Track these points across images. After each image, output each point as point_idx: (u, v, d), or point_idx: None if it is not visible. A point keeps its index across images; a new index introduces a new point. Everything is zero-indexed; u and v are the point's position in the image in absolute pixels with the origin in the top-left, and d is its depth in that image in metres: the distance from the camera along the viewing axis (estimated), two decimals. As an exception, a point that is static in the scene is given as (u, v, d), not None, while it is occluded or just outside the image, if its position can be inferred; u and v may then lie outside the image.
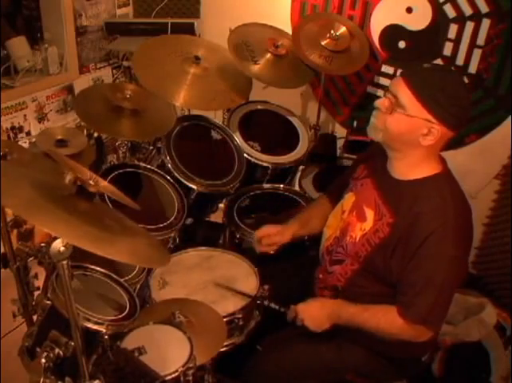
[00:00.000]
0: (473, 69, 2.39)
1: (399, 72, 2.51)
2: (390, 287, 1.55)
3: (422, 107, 1.42)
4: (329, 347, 1.66)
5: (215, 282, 1.78)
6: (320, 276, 1.73)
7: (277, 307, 1.71)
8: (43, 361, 1.33)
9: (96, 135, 2.56)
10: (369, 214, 1.59)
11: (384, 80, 2.62)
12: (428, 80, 1.43)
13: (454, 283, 1.50)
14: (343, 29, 2.41)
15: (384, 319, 1.52)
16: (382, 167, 1.62)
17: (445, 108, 1.41)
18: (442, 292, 1.46)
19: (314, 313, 1.61)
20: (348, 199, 1.70)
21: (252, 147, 2.35)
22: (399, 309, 1.50)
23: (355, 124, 2.66)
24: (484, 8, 2.28)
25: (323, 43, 2.37)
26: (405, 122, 1.45)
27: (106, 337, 1.42)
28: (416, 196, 1.49)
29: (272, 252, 1.85)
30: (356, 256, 1.59)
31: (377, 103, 1.50)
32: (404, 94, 1.43)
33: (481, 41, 2.33)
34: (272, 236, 1.84)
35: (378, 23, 2.53)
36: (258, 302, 1.73)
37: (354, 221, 1.63)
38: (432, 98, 1.41)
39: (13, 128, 2.55)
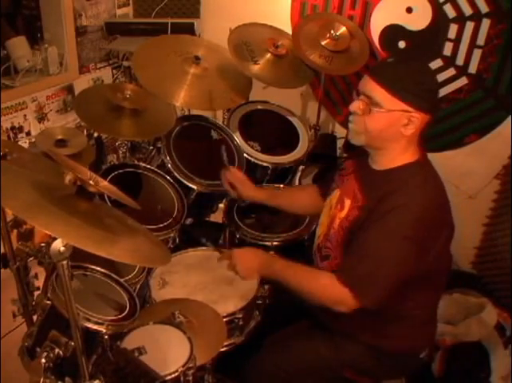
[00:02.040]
0: (473, 69, 2.39)
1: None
2: None
3: (397, 99, 1.44)
4: (328, 345, 1.66)
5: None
6: None
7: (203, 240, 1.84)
8: (43, 361, 1.33)
9: (96, 135, 2.57)
10: (347, 203, 1.61)
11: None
12: (396, 73, 1.45)
13: (402, 265, 1.44)
14: (343, 29, 2.41)
15: (313, 275, 1.54)
16: (365, 162, 1.64)
17: (418, 95, 1.43)
18: (384, 267, 1.44)
19: (247, 259, 1.64)
20: (335, 195, 1.72)
21: (252, 147, 2.35)
22: (336, 271, 1.49)
23: (355, 124, 2.65)
24: (484, 8, 2.28)
25: (323, 43, 2.37)
26: (384, 118, 1.46)
27: (106, 337, 1.42)
28: (388, 181, 1.50)
29: (235, 194, 1.97)
30: (337, 244, 1.60)
31: (352, 107, 1.51)
32: (377, 92, 1.45)
33: (481, 41, 2.33)
34: (240, 175, 1.95)
35: (378, 23, 2.53)
36: (259, 302, 1.73)
37: (336, 213, 1.64)
38: (404, 89, 1.43)
39: (13, 128, 2.55)
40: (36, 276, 1.78)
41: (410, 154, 1.53)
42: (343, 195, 1.65)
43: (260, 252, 1.68)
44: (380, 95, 1.44)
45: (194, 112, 2.45)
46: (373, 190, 1.53)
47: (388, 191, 1.47)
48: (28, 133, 2.64)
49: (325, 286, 1.49)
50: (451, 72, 2.44)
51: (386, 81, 1.44)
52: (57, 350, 1.35)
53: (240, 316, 1.67)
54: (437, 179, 1.53)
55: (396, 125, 1.46)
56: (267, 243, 2.04)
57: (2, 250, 1.74)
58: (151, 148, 2.29)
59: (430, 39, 2.43)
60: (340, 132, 2.84)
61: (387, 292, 1.45)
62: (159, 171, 2.09)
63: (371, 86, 1.46)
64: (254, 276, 1.63)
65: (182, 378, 1.41)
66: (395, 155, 1.53)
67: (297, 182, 2.52)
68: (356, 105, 1.50)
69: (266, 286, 1.77)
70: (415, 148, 1.54)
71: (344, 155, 2.60)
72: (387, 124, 1.47)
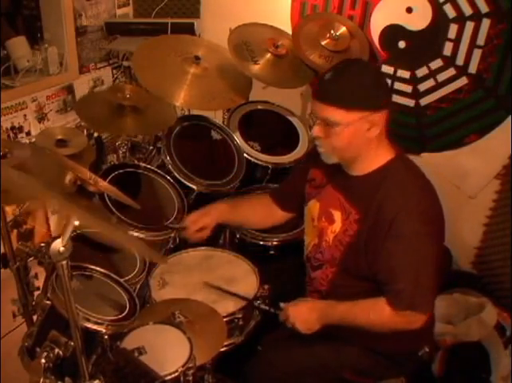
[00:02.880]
0: (473, 69, 2.38)
1: (399, 72, 2.51)
2: (373, 282, 1.55)
3: (351, 111, 1.43)
4: (327, 346, 1.66)
5: (209, 283, 1.78)
6: (309, 280, 1.75)
7: (267, 308, 1.71)
8: (43, 361, 1.33)
9: (96, 135, 2.57)
10: (337, 215, 1.60)
11: (384, 80, 2.62)
12: (337, 86, 1.45)
13: (431, 259, 1.48)
14: (343, 29, 2.41)
15: (373, 311, 1.52)
16: (338, 169, 1.62)
17: (365, 97, 1.44)
18: (420, 271, 1.46)
19: (304, 315, 1.61)
20: (313, 206, 1.71)
21: (252, 147, 2.35)
22: (386, 299, 1.49)
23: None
24: (484, 8, 2.27)
25: (323, 43, 2.37)
26: (347, 132, 1.46)
27: (106, 337, 1.42)
28: (376, 186, 1.50)
29: (205, 237, 1.85)
30: (333, 258, 1.60)
31: (314, 133, 1.52)
32: (329, 112, 1.45)
33: (481, 41, 2.32)
34: (198, 220, 1.84)
35: (378, 23, 2.53)
36: (258, 302, 1.73)
37: (326, 226, 1.64)
38: (351, 97, 1.43)
39: (13, 128, 2.55)
40: (36, 276, 1.78)
41: (385, 152, 1.54)
42: (326, 206, 1.64)
43: (315, 304, 1.64)
44: (334, 113, 1.44)
45: (195, 112, 2.45)
46: (362, 198, 1.53)
47: (381, 197, 1.47)
48: (28, 133, 2.64)
49: (391, 318, 1.49)
50: (451, 72, 2.43)
51: (332, 99, 1.44)
52: (57, 350, 1.35)
53: (240, 316, 1.67)
54: (416, 166, 1.56)
55: (360, 133, 1.46)
56: (267, 243, 2.04)
57: (2, 250, 1.74)
58: (151, 148, 2.29)
59: (430, 39, 2.42)
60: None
61: (435, 290, 1.50)
62: (159, 171, 2.09)
63: (321, 109, 1.47)
64: (315, 329, 1.59)
65: (182, 378, 1.41)
66: (372, 158, 1.54)
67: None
68: (317, 130, 1.50)
69: (266, 286, 1.77)
70: (387, 144, 1.55)
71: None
72: (351, 137, 1.47)
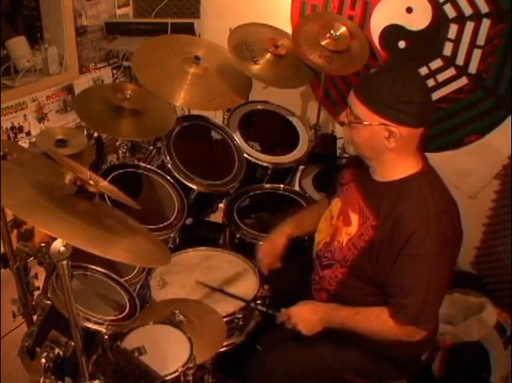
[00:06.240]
0: (473, 69, 2.39)
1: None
2: (381, 288, 1.55)
3: (372, 113, 1.41)
4: (328, 347, 1.66)
5: (204, 283, 1.78)
6: (317, 278, 1.74)
7: (264, 310, 1.71)
8: (43, 361, 1.33)
9: (96, 135, 2.57)
10: (354, 218, 1.59)
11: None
12: (372, 85, 1.42)
13: (442, 280, 1.48)
14: (343, 29, 2.41)
15: (377, 321, 1.52)
16: (364, 170, 1.61)
17: (395, 109, 1.39)
18: (430, 291, 1.45)
19: (307, 317, 1.60)
20: (336, 204, 1.70)
21: (252, 147, 2.35)
22: (390, 311, 1.50)
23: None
24: (484, 8, 2.28)
25: (323, 43, 2.37)
26: (364, 131, 1.45)
27: (106, 337, 1.42)
28: (396, 198, 1.48)
29: (279, 265, 1.85)
30: (344, 260, 1.59)
31: (340, 118, 1.53)
32: (355, 105, 1.45)
33: (481, 41, 2.33)
34: (269, 252, 1.84)
35: (378, 23, 2.53)
36: (258, 302, 1.73)
37: (341, 226, 1.63)
38: (379, 102, 1.40)
39: (13, 128, 2.55)
40: (36, 276, 1.78)
41: (411, 164, 1.51)
42: (346, 206, 1.64)
43: (318, 307, 1.62)
44: (359, 109, 1.44)
45: (195, 112, 2.45)
46: (382, 206, 1.51)
47: (401, 211, 1.45)
48: (28, 133, 2.64)
49: (393, 330, 1.50)
50: (451, 72, 2.44)
51: (362, 95, 1.43)
52: (57, 350, 1.35)
53: (240, 316, 1.67)
54: (441, 183, 1.53)
55: (378, 138, 1.44)
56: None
57: (2, 250, 1.74)
58: (151, 148, 2.29)
59: (430, 39, 2.43)
60: (340, 132, 2.83)
61: (439, 308, 1.50)
62: (159, 171, 2.10)
63: (351, 99, 1.47)
64: (316, 331, 1.59)
65: (182, 378, 1.41)
66: (392, 166, 1.51)
67: (297, 182, 2.52)
68: (343, 117, 1.52)
69: (266, 286, 1.77)
70: (413, 157, 1.51)
71: (345, 155, 2.60)
72: (368, 137, 1.46)
